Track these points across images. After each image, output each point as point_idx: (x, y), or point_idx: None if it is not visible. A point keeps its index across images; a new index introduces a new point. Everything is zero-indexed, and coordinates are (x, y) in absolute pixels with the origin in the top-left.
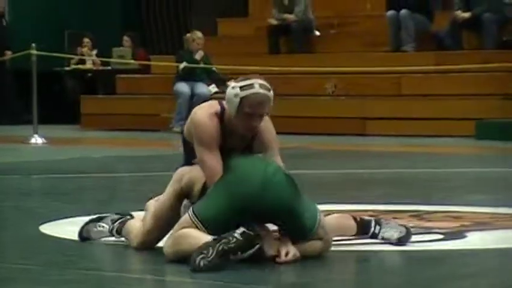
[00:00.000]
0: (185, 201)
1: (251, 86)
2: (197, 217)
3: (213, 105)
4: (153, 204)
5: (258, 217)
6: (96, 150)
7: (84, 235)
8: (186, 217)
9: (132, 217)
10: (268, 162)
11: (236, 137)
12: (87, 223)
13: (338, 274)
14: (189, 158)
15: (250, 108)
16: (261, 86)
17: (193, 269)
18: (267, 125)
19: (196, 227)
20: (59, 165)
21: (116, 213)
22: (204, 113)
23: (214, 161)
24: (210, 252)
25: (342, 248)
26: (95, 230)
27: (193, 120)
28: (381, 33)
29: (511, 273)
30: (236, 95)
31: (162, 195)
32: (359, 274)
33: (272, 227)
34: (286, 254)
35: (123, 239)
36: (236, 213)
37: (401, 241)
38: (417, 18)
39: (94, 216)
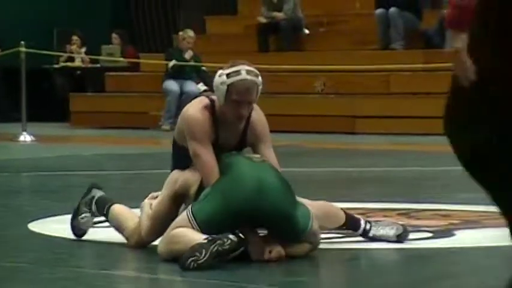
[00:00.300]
0: (183, 207)
1: (238, 72)
2: (195, 219)
3: (201, 100)
4: (147, 204)
5: (253, 221)
6: (85, 148)
7: (77, 232)
8: (183, 216)
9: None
10: (263, 165)
11: (228, 129)
12: (72, 220)
13: (328, 273)
14: (179, 162)
15: (237, 95)
16: (248, 72)
17: (183, 268)
18: (260, 118)
19: (193, 228)
20: (48, 163)
21: (82, 197)
22: (194, 108)
23: (208, 155)
24: (203, 254)
25: (332, 246)
26: (83, 221)
27: (184, 117)
28: (369, 32)
29: (500, 272)
30: (223, 83)
31: (156, 193)
32: (348, 273)
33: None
34: (270, 252)
35: (102, 219)
36: (232, 217)
37: (400, 238)
38: (406, 16)
39: (72, 213)
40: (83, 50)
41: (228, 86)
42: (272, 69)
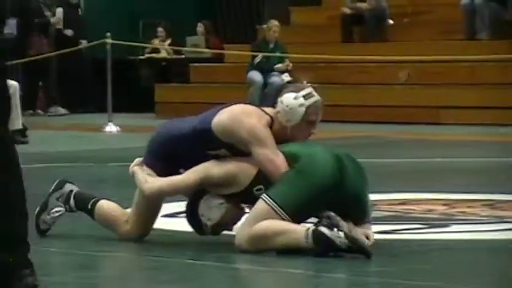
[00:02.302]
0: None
1: (311, 94)
2: (277, 204)
3: (262, 116)
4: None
5: (333, 200)
6: None
7: (43, 227)
8: (262, 207)
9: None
10: (334, 149)
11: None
12: (38, 215)
13: (419, 264)
14: (199, 153)
15: (314, 115)
16: (316, 93)
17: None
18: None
19: (277, 214)
20: (133, 153)
21: (52, 192)
22: (259, 122)
23: (281, 158)
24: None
25: (414, 237)
26: (54, 216)
27: (251, 126)
28: (454, 22)
29: None
30: (302, 105)
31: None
32: (433, 263)
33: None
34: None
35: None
36: (313, 200)
37: None
38: (492, 6)
39: (38, 208)
40: (167, 42)
41: (307, 107)
42: (356, 60)
